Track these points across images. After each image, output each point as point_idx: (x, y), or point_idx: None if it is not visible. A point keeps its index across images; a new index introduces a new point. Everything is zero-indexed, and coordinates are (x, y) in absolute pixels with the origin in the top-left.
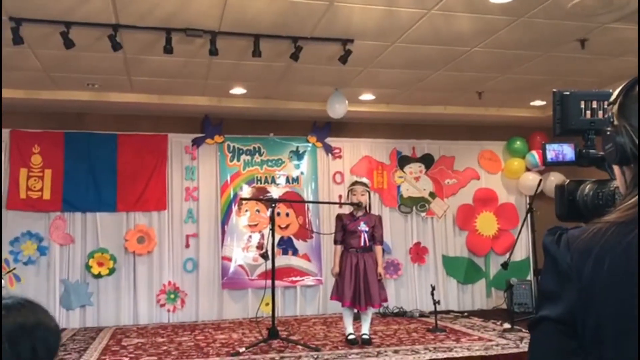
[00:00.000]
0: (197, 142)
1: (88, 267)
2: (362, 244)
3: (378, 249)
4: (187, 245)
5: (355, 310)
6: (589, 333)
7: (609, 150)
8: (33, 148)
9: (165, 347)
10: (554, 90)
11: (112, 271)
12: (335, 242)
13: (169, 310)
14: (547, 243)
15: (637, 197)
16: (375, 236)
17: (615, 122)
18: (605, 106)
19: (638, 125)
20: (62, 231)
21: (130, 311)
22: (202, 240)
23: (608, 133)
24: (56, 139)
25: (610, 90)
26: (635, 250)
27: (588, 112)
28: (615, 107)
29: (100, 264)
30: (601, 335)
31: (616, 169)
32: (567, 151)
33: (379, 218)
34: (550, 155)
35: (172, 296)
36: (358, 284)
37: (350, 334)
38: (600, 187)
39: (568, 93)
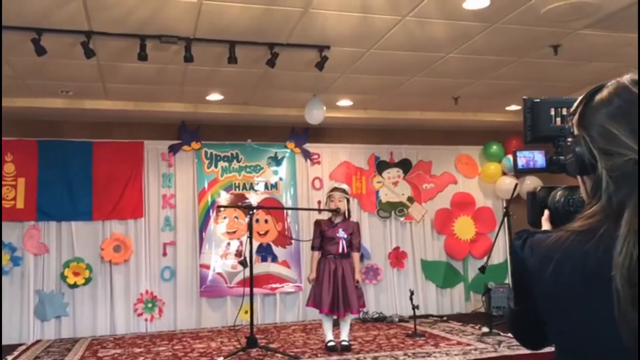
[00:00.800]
0: (173, 149)
1: (63, 277)
2: (340, 250)
3: (355, 256)
4: (165, 254)
5: (335, 317)
6: (551, 328)
7: (570, 160)
8: (6, 156)
9: (142, 358)
10: (524, 97)
11: (88, 281)
12: (313, 248)
13: (146, 320)
14: (515, 246)
15: (596, 206)
16: (353, 243)
17: (575, 133)
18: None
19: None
20: (37, 241)
21: (106, 321)
22: (180, 248)
23: (568, 144)
24: (30, 147)
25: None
26: (592, 257)
27: (558, 119)
28: (576, 117)
29: (76, 274)
30: (561, 331)
31: (578, 178)
32: (537, 158)
33: (357, 225)
34: (521, 162)
35: (150, 305)
36: (336, 291)
37: (330, 340)
38: (571, 194)
39: (538, 100)
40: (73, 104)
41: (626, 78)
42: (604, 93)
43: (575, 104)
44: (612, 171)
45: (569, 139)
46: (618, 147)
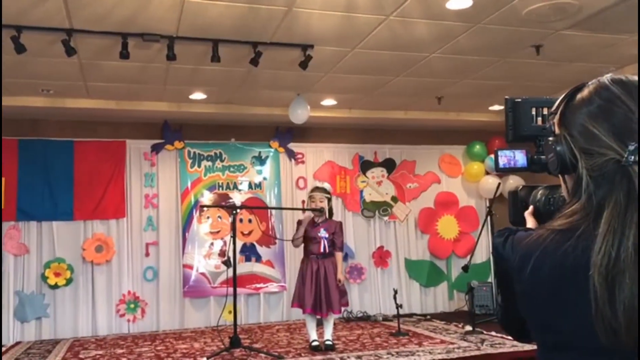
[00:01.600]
0: (156, 148)
1: (44, 278)
2: (322, 250)
3: (338, 255)
4: (147, 254)
5: (318, 317)
6: (531, 325)
7: (551, 159)
8: None
9: (124, 359)
10: (506, 97)
11: (69, 281)
12: (296, 240)
13: (128, 321)
14: (496, 244)
15: (576, 205)
16: (336, 243)
17: (557, 132)
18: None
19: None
20: (17, 241)
21: (88, 322)
22: (163, 248)
23: (549, 143)
24: (9, 146)
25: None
26: (571, 256)
27: (539, 119)
28: (557, 116)
29: (57, 274)
30: (540, 328)
31: (559, 177)
32: (518, 157)
33: (340, 224)
34: (502, 161)
35: (132, 306)
36: (319, 290)
37: (314, 340)
38: (552, 193)
39: (519, 100)
40: (54, 102)
41: (606, 77)
42: (585, 92)
43: (557, 103)
44: (593, 171)
45: (550, 138)
46: (599, 146)
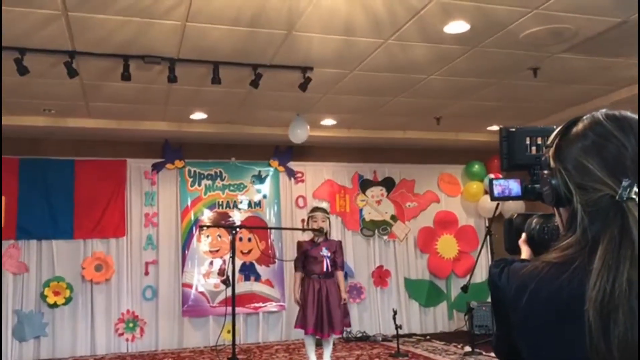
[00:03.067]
0: (157, 167)
1: (43, 297)
2: (324, 269)
3: (339, 274)
4: (147, 273)
5: (317, 337)
6: (525, 356)
7: (546, 192)
8: None
9: None
10: (500, 127)
11: (68, 300)
12: (296, 269)
13: (127, 340)
14: (492, 274)
15: (571, 238)
16: (337, 262)
17: (552, 165)
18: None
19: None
20: (16, 260)
21: (87, 341)
22: (162, 266)
23: (544, 176)
24: (10, 165)
25: (554, 127)
26: (566, 289)
27: (534, 148)
28: (552, 150)
29: (56, 293)
30: (530, 358)
31: (554, 210)
32: (513, 186)
33: (339, 243)
34: (497, 190)
35: (131, 325)
36: (320, 311)
37: None
38: (546, 222)
39: (514, 129)
40: (55, 122)
41: (600, 113)
42: (579, 127)
43: (552, 136)
44: (588, 206)
45: (545, 172)
46: (593, 182)
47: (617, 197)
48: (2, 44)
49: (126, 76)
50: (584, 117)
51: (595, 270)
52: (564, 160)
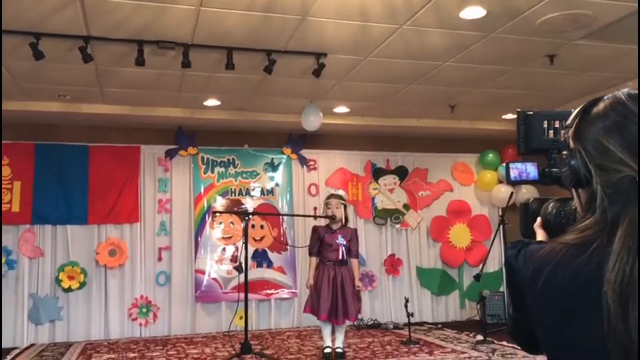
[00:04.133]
0: (170, 154)
1: (58, 281)
2: (339, 257)
3: (354, 262)
4: (160, 258)
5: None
6: (541, 338)
7: (565, 173)
8: (2, 160)
9: None
10: (518, 110)
11: (82, 285)
12: (311, 254)
13: (140, 325)
14: (509, 256)
15: (589, 219)
16: (351, 250)
17: (571, 146)
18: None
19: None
20: (32, 244)
21: (101, 326)
22: (175, 252)
23: (564, 157)
24: (26, 150)
25: (572, 110)
26: (584, 271)
27: (551, 132)
28: (572, 130)
29: (70, 278)
30: (550, 341)
31: (573, 191)
32: (530, 170)
33: (355, 231)
34: (513, 173)
35: (144, 310)
36: (335, 298)
37: (327, 347)
38: (563, 206)
39: (531, 113)
40: (70, 107)
41: (623, 92)
42: (600, 107)
43: (572, 117)
44: (607, 187)
45: (564, 152)
46: (613, 163)
47: (637, 178)
48: (14, 30)
49: (140, 61)
50: (605, 97)
51: (614, 252)
52: (584, 140)
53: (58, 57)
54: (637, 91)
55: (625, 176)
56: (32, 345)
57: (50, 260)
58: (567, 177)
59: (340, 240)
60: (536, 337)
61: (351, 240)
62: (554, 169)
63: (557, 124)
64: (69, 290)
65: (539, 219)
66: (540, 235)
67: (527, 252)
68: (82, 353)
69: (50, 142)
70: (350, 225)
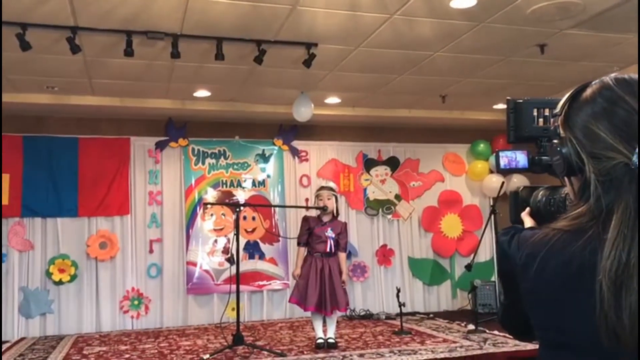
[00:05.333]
0: (160, 146)
1: (49, 274)
2: (328, 249)
3: (342, 256)
4: (151, 251)
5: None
6: (534, 323)
7: (557, 162)
8: None
9: (128, 355)
10: (508, 98)
11: (73, 278)
12: (299, 244)
13: (132, 317)
14: (502, 242)
15: (583, 207)
16: (340, 243)
17: (562, 134)
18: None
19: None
20: (21, 237)
21: (92, 318)
22: (167, 245)
23: (554, 145)
24: (14, 143)
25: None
26: (577, 258)
27: (541, 120)
28: (561, 117)
29: (61, 271)
30: (543, 326)
31: (565, 179)
32: (520, 158)
33: (345, 225)
34: (503, 162)
35: (136, 302)
36: (323, 289)
37: (320, 338)
38: (552, 194)
39: (521, 101)
40: (59, 99)
41: (610, 77)
42: (588, 92)
43: (560, 104)
44: (601, 175)
45: (555, 141)
46: (604, 149)
47: (631, 165)
48: (3, 20)
49: (129, 52)
50: (593, 83)
51: (610, 240)
52: (574, 127)
53: (46, 48)
54: (623, 76)
55: (618, 163)
56: (22, 339)
57: (40, 253)
58: (559, 165)
59: (330, 233)
60: (527, 323)
61: (340, 233)
62: (543, 157)
63: (546, 112)
64: (59, 283)
65: (527, 208)
66: (529, 223)
67: (521, 237)
68: (73, 346)
69: (39, 134)
70: (342, 217)
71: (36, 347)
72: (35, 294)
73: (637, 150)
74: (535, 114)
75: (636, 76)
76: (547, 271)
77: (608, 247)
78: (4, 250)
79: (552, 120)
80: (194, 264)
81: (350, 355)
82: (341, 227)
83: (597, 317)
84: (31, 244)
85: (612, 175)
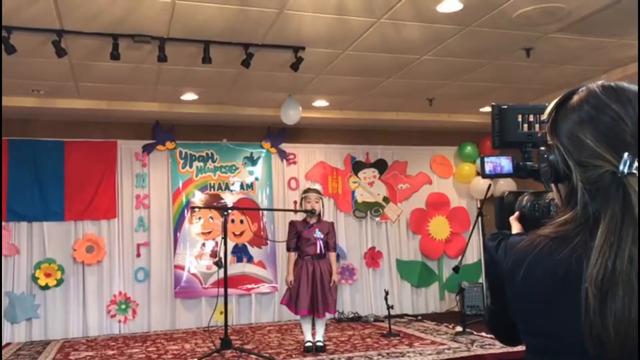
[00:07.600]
0: (147, 149)
1: (35, 279)
2: (317, 251)
3: (332, 255)
4: (138, 254)
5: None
6: (520, 328)
7: (544, 169)
8: None
9: None
10: (493, 104)
11: (60, 282)
12: (289, 249)
13: (119, 321)
14: (489, 248)
15: (570, 214)
16: (329, 243)
17: (549, 141)
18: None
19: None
20: (7, 241)
21: (79, 323)
22: (154, 248)
23: (542, 152)
24: None
25: (547, 104)
26: (563, 265)
27: (525, 126)
28: (548, 125)
29: (47, 275)
30: (529, 332)
31: (552, 185)
32: (504, 164)
33: (332, 225)
34: (488, 167)
35: (123, 306)
36: (315, 292)
37: (308, 341)
38: (537, 199)
39: (506, 107)
40: (45, 103)
41: (596, 84)
42: (575, 99)
43: (548, 111)
44: (588, 183)
45: (542, 148)
46: (591, 157)
47: (618, 173)
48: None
49: (115, 55)
50: (579, 90)
51: (596, 247)
52: (560, 134)
53: (31, 51)
54: (610, 83)
55: (605, 171)
56: (8, 344)
57: (26, 258)
58: (546, 172)
59: (318, 234)
60: (514, 328)
61: (328, 233)
62: (528, 163)
63: (531, 118)
64: (46, 287)
65: (516, 213)
66: (516, 228)
67: (508, 243)
68: (60, 351)
69: (24, 137)
70: (328, 218)
71: (22, 352)
72: (21, 299)
73: (623, 158)
74: (520, 119)
75: (622, 84)
76: (533, 277)
77: (595, 255)
78: None
79: (537, 126)
80: (182, 268)
81: (339, 358)
82: (328, 227)
83: (583, 323)
84: (16, 249)
85: (599, 183)
